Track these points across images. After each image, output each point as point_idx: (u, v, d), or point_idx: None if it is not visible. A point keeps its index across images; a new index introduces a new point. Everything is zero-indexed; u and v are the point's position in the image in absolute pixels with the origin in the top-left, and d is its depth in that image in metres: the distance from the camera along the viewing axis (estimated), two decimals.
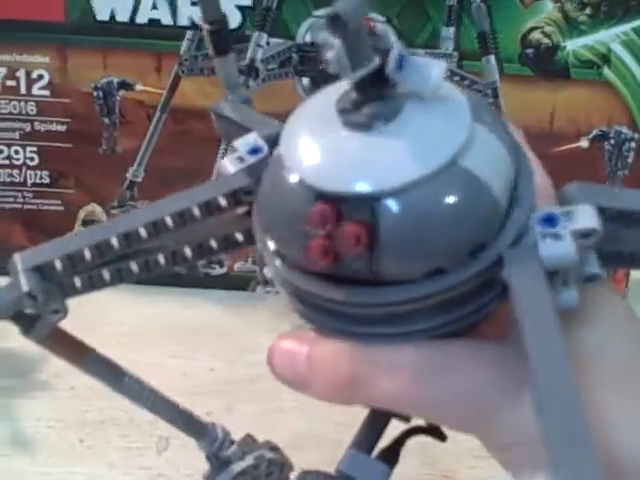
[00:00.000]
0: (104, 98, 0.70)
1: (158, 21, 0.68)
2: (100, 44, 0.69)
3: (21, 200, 0.73)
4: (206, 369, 0.62)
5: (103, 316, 0.68)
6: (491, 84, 0.68)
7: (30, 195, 0.73)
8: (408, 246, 0.25)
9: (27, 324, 0.29)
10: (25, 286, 0.28)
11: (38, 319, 0.29)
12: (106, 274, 0.30)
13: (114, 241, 0.29)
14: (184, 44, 0.69)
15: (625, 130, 0.68)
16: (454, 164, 0.25)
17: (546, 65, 0.67)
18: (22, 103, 0.71)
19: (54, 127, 0.71)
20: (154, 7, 0.68)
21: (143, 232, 0.29)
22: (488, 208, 0.25)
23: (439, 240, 0.25)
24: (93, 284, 0.30)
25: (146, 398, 0.35)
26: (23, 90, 0.70)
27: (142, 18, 0.68)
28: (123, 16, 0.68)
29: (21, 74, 0.70)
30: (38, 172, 0.73)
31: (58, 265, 0.28)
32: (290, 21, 0.69)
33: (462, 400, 0.27)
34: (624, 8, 0.66)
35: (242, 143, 0.31)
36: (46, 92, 0.70)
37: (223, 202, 0.29)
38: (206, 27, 0.40)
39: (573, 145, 0.69)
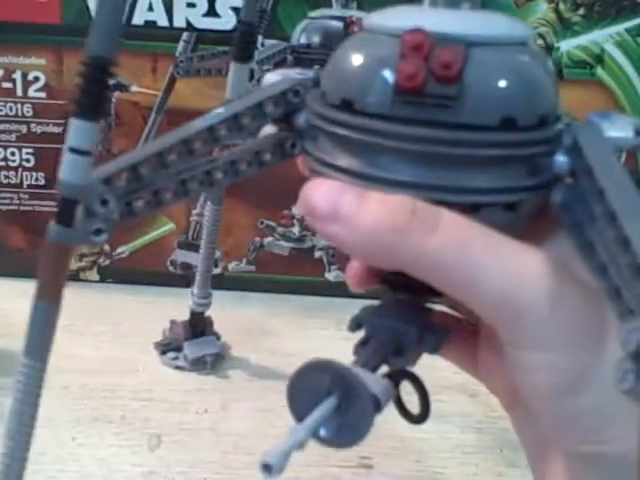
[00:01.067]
0: None
1: (154, 22, 0.69)
2: None
3: (17, 202, 0.74)
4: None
5: (102, 316, 0.68)
6: None
7: (26, 196, 0.74)
8: (491, 86, 0.28)
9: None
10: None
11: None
12: (166, 193, 0.30)
13: (172, 154, 0.30)
14: (180, 45, 0.70)
15: None
16: (528, 43, 0.29)
17: None
18: (18, 105, 0.71)
19: (50, 129, 0.72)
20: (150, 9, 0.69)
21: (198, 144, 0.30)
22: (552, 82, 0.29)
23: (516, 89, 0.28)
24: (156, 202, 0.30)
25: None
26: (19, 92, 0.71)
27: (138, 19, 0.69)
28: None
29: (17, 76, 0.70)
30: (34, 174, 0.73)
31: (120, 180, 0.29)
32: (285, 23, 0.69)
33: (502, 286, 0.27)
34: (617, 9, 0.66)
35: (282, 71, 0.33)
36: (42, 94, 0.71)
37: (270, 107, 0.31)
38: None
39: None
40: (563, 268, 0.27)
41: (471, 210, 0.28)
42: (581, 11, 0.67)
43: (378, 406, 0.28)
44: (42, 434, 0.53)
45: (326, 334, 0.67)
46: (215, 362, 0.62)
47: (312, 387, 0.28)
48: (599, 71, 0.67)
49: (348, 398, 0.27)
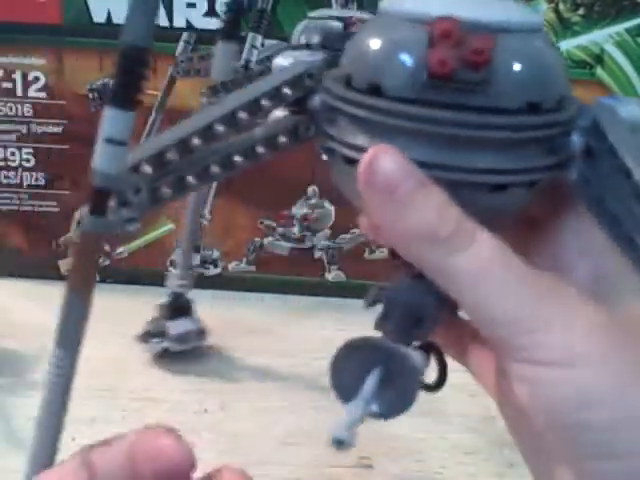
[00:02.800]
0: (100, 100, 0.71)
1: None
2: (96, 46, 0.69)
3: (17, 202, 0.74)
4: (201, 369, 0.62)
5: (102, 316, 0.68)
6: None
7: (26, 196, 0.74)
8: (518, 72, 0.29)
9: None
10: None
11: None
12: (190, 178, 0.31)
13: (196, 139, 0.30)
14: (180, 46, 0.70)
15: None
16: (542, 29, 0.31)
17: None
18: (18, 105, 0.71)
19: (50, 129, 0.72)
20: None
21: (220, 127, 0.31)
22: (565, 66, 0.31)
23: (540, 74, 0.29)
24: (181, 187, 0.31)
25: None
26: (19, 92, 0.71)
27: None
28: (119, 18, 0.68)
29: (17, 76, 0.70)
30: (34, 174, 0.73)
31: (147, 167, 0.30)
32: (285, 23, 0.69)
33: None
34: (617, 9, 0.66)
35: (291, 53, 0.34)
36: (42, 94, 0.71)
37: (287, 90, 0.32)
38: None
39: None
40: (570, 287, 0.28)
41: (497, 189, 0.29)
42: (581, 11, 0.67)
43: (420, 376, 0.30)
44: None
45: (326, 334, 0.67)
46: (199, 337, 0.63)
47: (355, 365, 0.29)
48: (599, 71, 0.68)
49: (393, 370, 0.29)
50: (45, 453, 0.32)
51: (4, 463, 0.50)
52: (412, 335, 0.31)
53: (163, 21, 0.69)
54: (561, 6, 0.67)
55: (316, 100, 0.32)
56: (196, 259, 0.74)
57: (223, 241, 0.74)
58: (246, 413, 0.57)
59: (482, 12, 0.29)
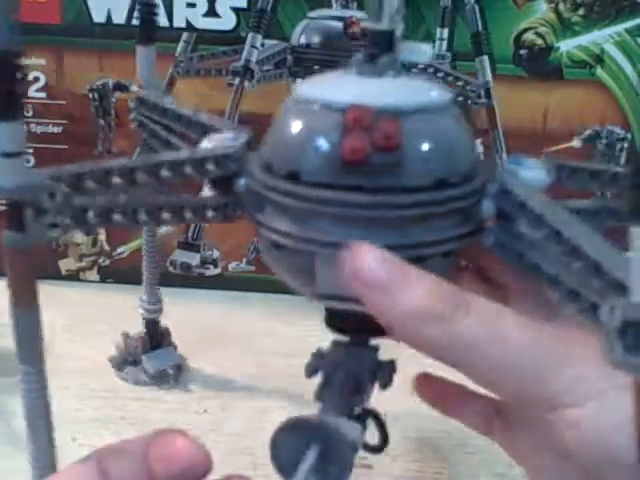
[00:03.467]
0: (100, 100, 0.71)
1: None
2: (96, 46, 0.70)
3: None
4: (201, 369, 0.62)
5: (102, 316, 0.68)
6: (484, 84, 0.68)
7: None
8: (425, 152, 0.30)
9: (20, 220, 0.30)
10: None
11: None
12: (117, 217, 0.32)
13: (116, 176, 0.31)
14: (180, 46, 0.70)
15: (618, 130, 0.68)
16: (452, 106, 0.32)
17: (539, 65, 0.68)
18: None
19: (50, 129, 0.72)
20: None
21: (142, 176, 0.32)
22: (471, 140, 0.33)
23: (446, 152, 0.31)
24: (106, 219, 0.31)
25: None
26: None
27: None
28: (119, 18, 0.68)
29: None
30: None
31: (67, 180, 0.31)
32: (285, 23, 0.69)
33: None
34: (617, 9, 0.66)
35: (216, 136, 0.35)
36: (42, 94, 0.71)
37: (211, 166, 0.33)
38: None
39: (566, 145, 0.69)
40: (568, 325, 0.29)
41: (417, 262, 0.31)
42: (581, 11, 0.67)
43: (355, 448, 0.30)
44: None
45: (327, 335, 0.67)
46: (177, 374, 0.60)
47: (293, 444, 0.30)
48: (599, 71, 0.68)
49: (328, 447, 0.29)
50: (42, 461, 0.32)
51: (4, 463, 0.50)
52: (351, 402, 0.32)
53: (163, 21, 0.69)
54: (561, 6, 0.67)
55: (242, 184, 0.33)
56: (196, 259, 0.74)
57: (223, 241, 0.74)
58: (246, 413, 0.57)
59: (391, 97, 0.31)
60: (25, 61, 0.70)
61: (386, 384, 0.33)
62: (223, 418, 0.56)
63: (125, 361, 0.61)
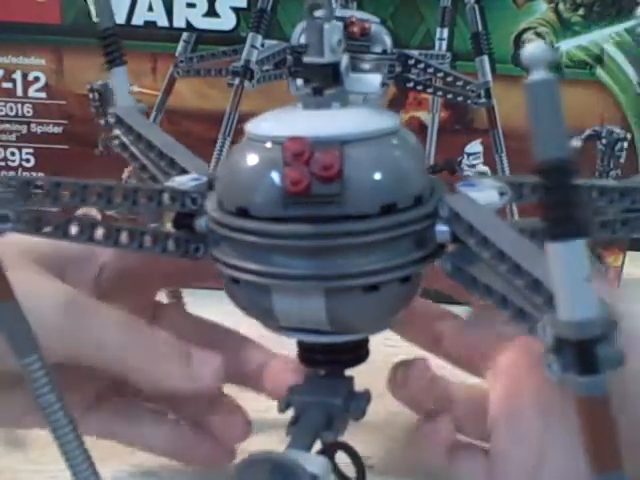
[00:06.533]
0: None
1: (154, 23, 0.69)
2: (96, 46, 0.69)
3: None
4: None
5: None
6: (484, 84, 0.68)
7: None
8: (369, 179, 0.31)
9: None
10: None
11: None
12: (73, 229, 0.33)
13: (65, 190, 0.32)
14: (180, 46, 0.70)
15: (617, 130, 0.68)
16: (396, 130, 0.32)
17: None
18: (18, 105, 0.71)
19: (50, 129, 0.72)
20: (150, 9, 0.68)
21: (92, 197, 0.33)
22: (422, 165, 0.33)
23: (390, 179, 0.31)
24: (62, 231, 0.32)
25: None
26: (19, 92, 0.71)
27: (138, 20, 0.69)
28: (119, 18, 0.68)
29: (17, 76, 0.70)
30: (34, 174, 0.73)
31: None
32: (285, 23, 0.69)
33: None
34: (617, 9, 0.66)
35: (179, 179, 0.36)
36: (42, 94, 0.71)
37: (166, 198, 0.34)
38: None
39: None
40: None
41: (372, 290, 0.31)
42: (581, 11, 0.67)
43: None
44: (42, 434, 0.53)
45: None
46: None
47: (257, 479, 0.30)
48: (599, 71, 0.68)
49: None
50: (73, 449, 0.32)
51: (3, 462, 0.50)
52: (322, 438, 0.33)
53: (163, 21, 0.69)
54: (561, 6, 0.67)
55: (202, 223, 0.34)
56: None
57: None
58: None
59: (332, 128, 0.31)
60: (25, 61, 0.70)
61: (359, 417, 0.33)
62: None
63: None
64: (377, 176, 0.31)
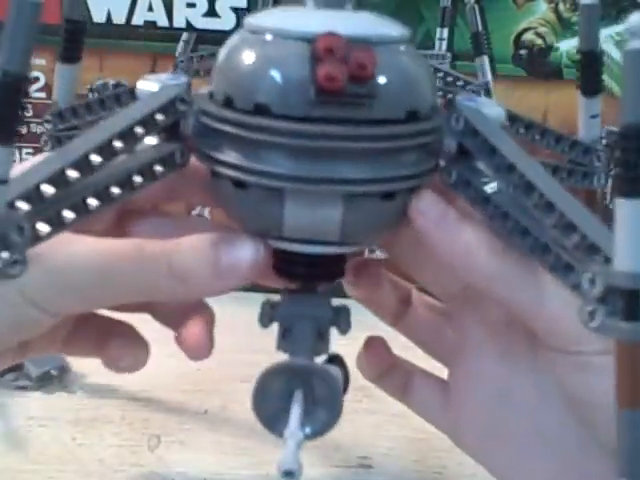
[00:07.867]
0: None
1: (154, 23, 0.69)
2: (96, 46, 0.69)
3: None
4: (202, 368, 0.62)
5: None
6: (484, 84, 0.68)
7: None
8: (396, 83, 0.30)
9: None
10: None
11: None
12: (67, 213, 0.29)
13: (74, 170, 0.29)
14: (180, 46, 0.70)
15: (617, 130, 0.68)
16: (411, 40, 0.32)
17: (539, 66, 0.68)
18: None
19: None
20: (150, 9, 0.69)
21: (95, 157, 0.30)
22: (432, 74, 0.33)
23: (417, 84, 0.31)
24: (59, 223, 0.29)
25: None
26: None
27: (138, 19, 0.69)
28: (119, 18, 0.68)
29: None
30: None
31: (23, 204, 0.28)
32: None
33: None
34: (617, 9, 0.66)
35: (156, 77, 0.33)
36: (42, 94, 0.71)
37: (160, 116, 0.31)
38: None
39: None
40: None
41: (388, 197, 0.31)
42: None
43: (341, 390, 0.30)
44: (42, 434, 0.53)
45: None
46: (62, 376, 0.58)
47: (275, 393, 0.30)
48: None
49: (314, 388, 0.29)
50: None
51: (3, 462, 0.50)
52: (316, 349, 0.31)
53: (163, 21, 0.69)
54: (561, 6, 0.67)
55: (189, 124, 0.32)
56: None
57: None
58: (246, 413, 0.57)
59: (357, 27, 0.30)
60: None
61: (346, 329, 0.32)
62: (223, 418, 0.56)
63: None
64: (405, 80, 0.30)
